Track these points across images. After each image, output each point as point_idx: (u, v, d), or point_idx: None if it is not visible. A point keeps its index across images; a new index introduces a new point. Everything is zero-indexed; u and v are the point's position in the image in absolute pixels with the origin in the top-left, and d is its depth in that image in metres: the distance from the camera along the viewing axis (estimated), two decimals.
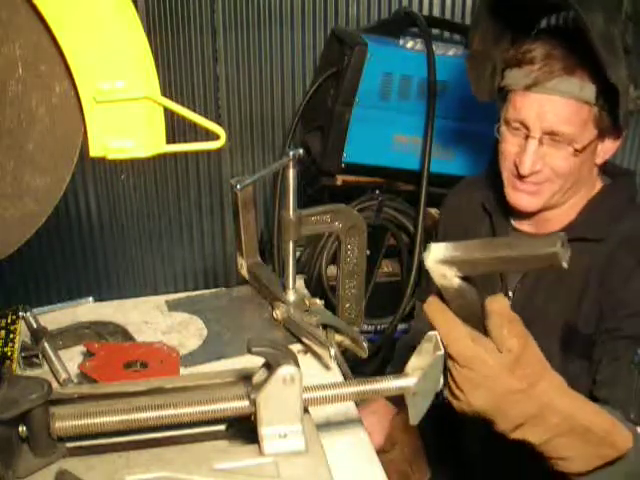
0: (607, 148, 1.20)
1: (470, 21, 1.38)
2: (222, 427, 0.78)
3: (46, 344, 1.07)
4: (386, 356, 2.12)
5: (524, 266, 0.86)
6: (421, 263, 2.09)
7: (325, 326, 1.12)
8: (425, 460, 1.46)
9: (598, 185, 1.25)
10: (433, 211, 2.14)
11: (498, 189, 1.29)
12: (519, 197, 1.23)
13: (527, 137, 1.18)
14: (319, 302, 1.18)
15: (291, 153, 1.11)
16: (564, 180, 1.19)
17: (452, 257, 0.74)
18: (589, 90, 1.13)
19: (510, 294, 1.27)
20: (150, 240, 2.83)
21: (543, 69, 1.14)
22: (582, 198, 1.24)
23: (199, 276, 2.91)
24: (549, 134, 1.16)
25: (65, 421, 0.72)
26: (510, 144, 1.21)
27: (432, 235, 2.08)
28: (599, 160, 1.21)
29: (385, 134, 2.00)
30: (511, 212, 1.30)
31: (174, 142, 0.76)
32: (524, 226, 1.30)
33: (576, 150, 1.15)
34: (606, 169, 1.28)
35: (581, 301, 1.16)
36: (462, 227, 1.41)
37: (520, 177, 1.20)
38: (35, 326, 1.12)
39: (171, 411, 0.72)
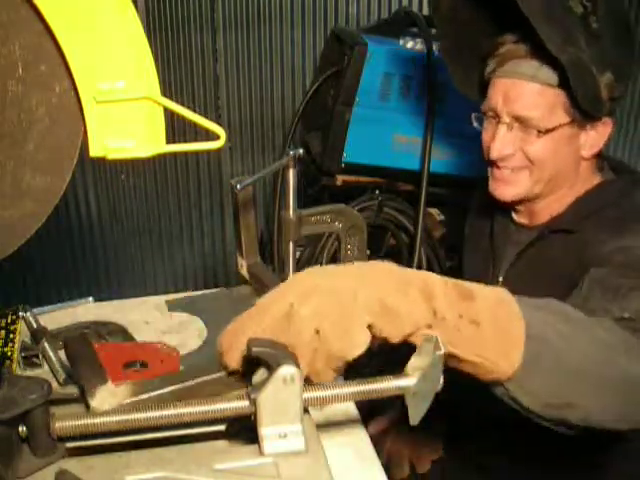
0: (593, 139, 1.20)
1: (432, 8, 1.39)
2: (222, 427, 0.78)
3: (46, 344, 1.06)
4: (386, 356, 2.12)
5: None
6: (421, 262, 2.10)
7: None
8: (440, 437, 1.46)
9: (596, 180, 1.26)
10: (433, 211, 2.14)
11: None
12: (496, 186, 1.26)
13: (498, 123, 1.22)
14: None
15: (291, 153, 1.11)
16: (540, 168, 1.20)
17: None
18: (548, 72, 1.15)
19: (500, 279, 1.33)
20: (150, 240, 2.83)
21: (507, 52, 1.18)
22: (572, 192, 1.25)
23: (199, 276, 2.92)
24: (517, 119, 1.19)
25: (65, 421, 0.72)
26: (486, 132, 1.26)
27: (432, 235, 2.09)
28: (586, 153, 1.21)
29: (385, 134, 2.00)
30: (510, 206, 1.33)
31: (174, 142, 0.76)
32: (520, 219, 1.33)
33: (539, 132, 1.17)
34: (613, 166, 1.29)
35: (564, 289, 1.17)
36: (473, 227, 1.48)
37: (495, 165, 1.24)
38: (35, 326, 1.12)
39: (171, 411, 0.72)
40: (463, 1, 1.30)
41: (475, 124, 1.30)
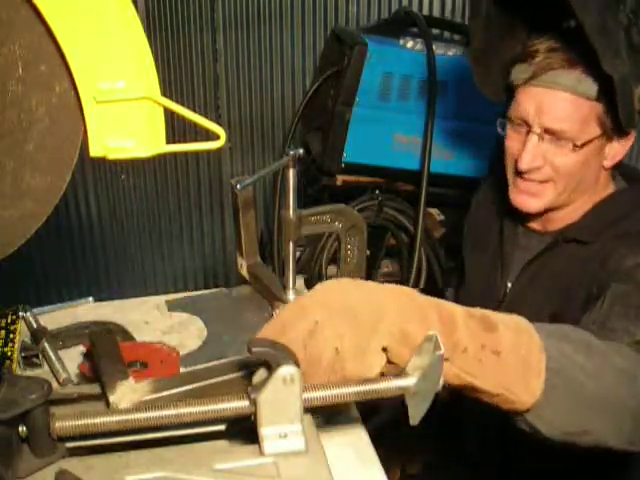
0: (616, 150, 1.18)
1: (470, 14, 1.35)
2: (222, 427, 0.78)
3: (46, 344, 1.06)
4: None
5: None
6: (421, 262, 2.10)
7: None
8: (432, 439, 1.46)
9: (610, 189, 1.24)
10: (433, 211, 2.14)
11: (504, 189, 1.29)
12: (521, 198, 1.23)
13: (528, 133, 1.17)
14: None
15: (291, 153, 1.11)
16: (566, 180, 1.18)
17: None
18: (588, 84, 1.11)
19: (509, 285, 1.30)
20: (150, 240, 2.83)
21: (543, 62, 1.14)
22: (589, 201, 1.23)
23: (199, 276, 2.92)
24: (548, 131, 1.15)
25: (65, 421, 0.72)
26: (512, 140, 1.21)
27: (432, 235, 2.09)
28: (608, 163, 1.19)
29: (385, 134, 2.00)
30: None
31: (174, 142, 0.76)
32: (532, 224, 1.30)
33: (575, 146, 1.14)
34: (624, 174, 1.27)
35: (571, 298, 1.17)
36: (478, 227, 1.44)
37: (521, 175, 1.20)
38: (35, 326, 1.12)
39: (171, 411, 0.72)
40: (499, 8, 1.24)
41: (499, 130, 1.24)
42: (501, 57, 1.25)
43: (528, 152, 1.17)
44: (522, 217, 1.31)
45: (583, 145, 1.14)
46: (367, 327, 0.72)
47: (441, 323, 0.74)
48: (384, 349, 0.73)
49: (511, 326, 0.78)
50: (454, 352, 0.74)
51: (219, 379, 0.79)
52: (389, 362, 0.74)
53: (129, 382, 0.78)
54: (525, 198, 1.22)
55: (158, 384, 0.79)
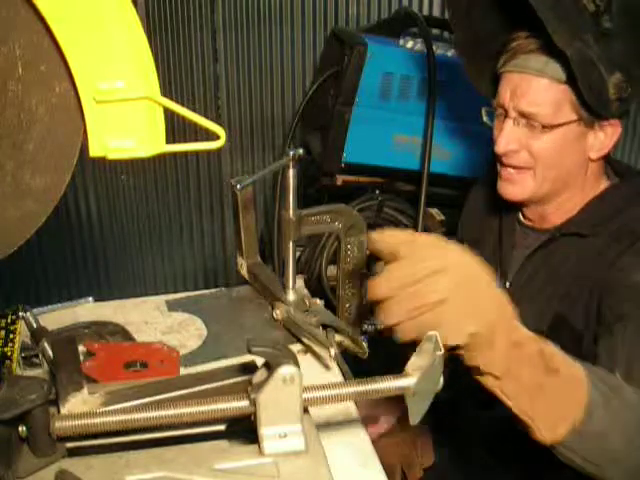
0: (601, 142, 1.19)
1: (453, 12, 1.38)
2: (222, 427, 0.78)
3: (46, 344, 1.06)
4: (386, 356, 2.12)
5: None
6: None
7: (325, 326, 1.12)
8: (431, 445, 1.46)
9: (604, 184, 1.25)
10: (433, 211, 2.14)
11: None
12: (504, 186, 1.25)
13: (505, 118, 1.21)
14: (319, 302, 1.18)
15: (291, 153, 1.11)
16: (545, 168, 1.19)
17: None
18: (555, 66, 1.14)
19: (508, 285, 1.30)
20: (150, 240, 2.83)
21: (517, 47, 1.18)
22: (583, 196, 1.23)
23: (199, 276, 2.92)
24: (523, 115, 1.18)
25: (65, 421, 0.72)
26: (495, 129, 1.25)
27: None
28: (594, 155, 1.20)
29: (385, 134, 2.00)
30: (518, 207, 1.32)
31: (174, 142, 0.76)
32: (527, 221, 1.32)
33: (544, 127, 1.16)
34: (617, 170, 1.28)
35: (571, 295, 1.17)
36: (476, 225, 1.45)
37: (501, 162, 1.23)
38: (35, 326, 1.12)
39: (171, 411, 0.72)
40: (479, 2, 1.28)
41: (485, 118, 1.28)
42: (489, 51, 1.27)
43: (503, 136, 1.20)
44: (517, 213, 1.33)
45: (553, 127, 1.16)
46: (478, 310, 0.75)
47: (513, 348, 0.78)
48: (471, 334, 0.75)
49: (573, 375, 0.83)
50: (504, 377, 0.79)
51: (176, 393, 0.79)
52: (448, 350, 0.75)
53: (82, 394, 0.77)
54: (507, 185, 1.25)
55: (111, 396, 0.78)
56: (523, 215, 1.32)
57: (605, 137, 1.19)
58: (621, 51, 1.13)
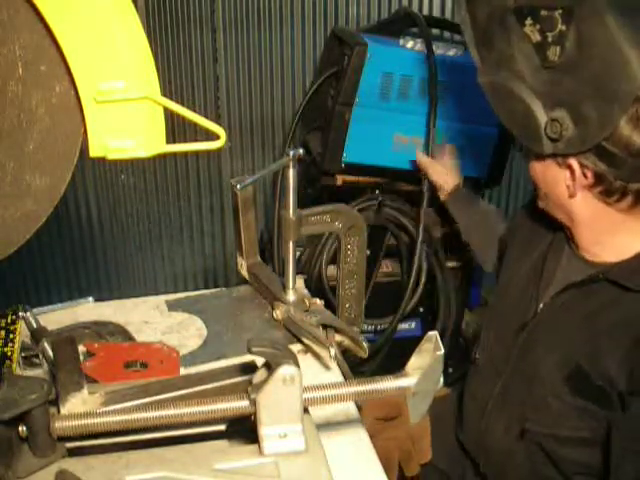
0: (576, 180, 1.10)
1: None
2: (222, 427, 0.78)
3: (46, 344, 1.06)
4: (386, 356, 2.12)
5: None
6: (421, 262, 2.10)
7: (325, 326, 1.12)
8: (429, 440, 1.45)
9: None
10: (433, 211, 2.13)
11: None
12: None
13: None
14: (319, 302, 1.18)
15: (291, 153, 1.11)
16: (543, 193, 1.20)
17: None
18: None
19: (541, 306, 1.23)
20: (150, 240, 2.83)
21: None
22: (635, 243, 1.14)
23: (199, 276, 2.91)
24: None
25: (65, 421, 0.72)
26: None
27: (432, 235, 2.09)
28: (579, 193, 1.12)
29: (385, 134, 2.00)
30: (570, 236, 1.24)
31: (174, 142, 0.76)
32: (578, 250, 1.23)
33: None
34: None
35: (598, 355, 1.11)
36: (528, 234, 1.37)
37: None
38: (35, 326, 1.12)
39: (171, 411, 0.72)
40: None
41: None
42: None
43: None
44: (570, 238, 1.24)
45: (537, 156, 1.15)
46: None
47: None
48: None
49: None
50: None
51: (175, 394, 0.79)
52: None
53: (82, 394, 0.77)
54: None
55: (111, 396, 0.78)
56: (574, 241, 1.23)
57: (573, 176, 1.10)
58: (570, 88, 1.04)
